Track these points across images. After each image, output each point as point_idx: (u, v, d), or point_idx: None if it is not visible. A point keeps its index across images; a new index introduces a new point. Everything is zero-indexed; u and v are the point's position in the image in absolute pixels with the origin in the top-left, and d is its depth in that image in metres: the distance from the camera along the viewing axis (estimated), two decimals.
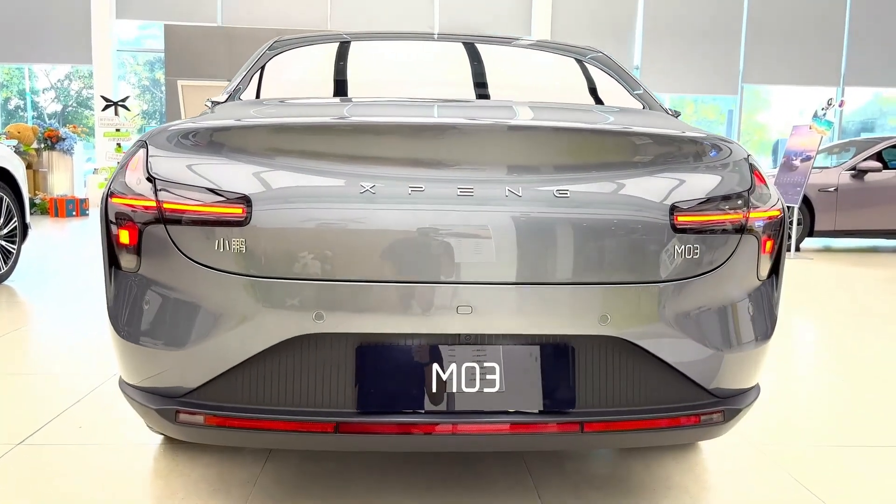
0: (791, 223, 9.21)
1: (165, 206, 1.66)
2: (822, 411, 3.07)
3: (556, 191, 1.63)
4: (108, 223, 1.77)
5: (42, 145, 13.48)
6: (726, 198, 1.75)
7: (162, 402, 1.71)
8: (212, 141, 1.71)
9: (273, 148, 1.66)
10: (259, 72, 2.45)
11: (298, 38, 2.77)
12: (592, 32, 16.83)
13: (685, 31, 16.92)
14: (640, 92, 2.45)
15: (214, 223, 1.62)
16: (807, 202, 9.20)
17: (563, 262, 1.63)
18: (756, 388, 1.94)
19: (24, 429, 2.59)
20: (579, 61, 2.67)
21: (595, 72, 2.58)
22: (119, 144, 13.45)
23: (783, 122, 18.91)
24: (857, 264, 8.46)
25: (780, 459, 2.45)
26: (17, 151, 12.86)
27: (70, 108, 20.03)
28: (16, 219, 5.73)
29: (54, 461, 2.34)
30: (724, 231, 1.74)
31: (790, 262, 8.40)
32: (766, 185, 1.89)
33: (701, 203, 1.71)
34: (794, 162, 8.99)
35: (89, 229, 11.11)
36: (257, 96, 2.32)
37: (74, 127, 14.50)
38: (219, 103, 2.29)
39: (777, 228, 1.87)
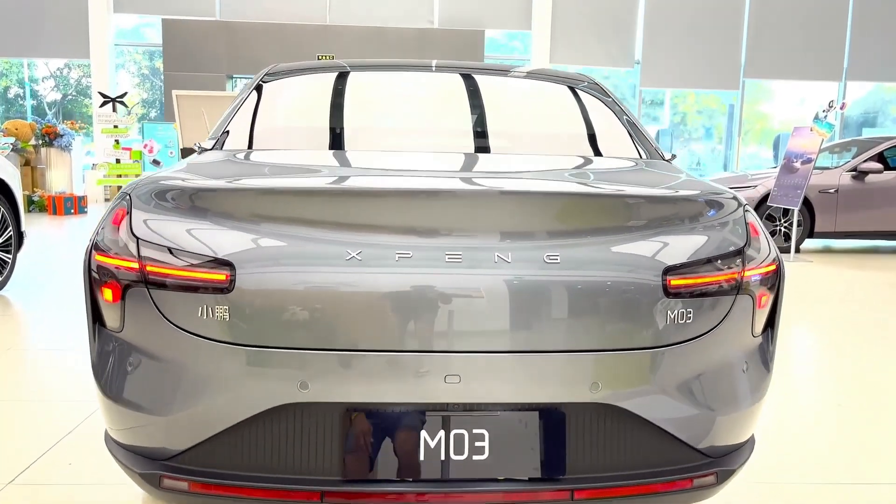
0: (791, 226, 9.18)
1: (148, 268, 1.63)
2: (818, 443, 3.05)
3: (546, 256, 1.60)
4: (91, 277, 1.74)
5: (40, 142, 13.44)
6: (721, 257, 1.72)
7: (146, 466, 1.69)
8: (196, 202, 1.68)
9: (257, 212, 1.63)
10: (249, 113, 2.40)
11: (290, 69, 2.73)
12: (593, 26, 16.73)
13: (686, 25, 16.81)
14: (637, 132, 2.41)
15: (198, 289, 1.59)
16: (807, 203, 9.17)
17: (552, 329, 1.60)
18: (751, 442, 1.92)
19: (15, 465, 2.58)
20: (576, 96, 2.62)
21: (592, 110, 2.53)
22: (117, 141, 13.39)
23: (785, 113, 18.83)
24: (858, 267, 8.44)
25: (773, 495, 2.44)
26: (15, 149, 12.83)
27: (70, 97, 19.96)
28: (10, 228, 5.70)
29: (45, 502, 2.32)
30: (719, 292, 1.71)
31: (789, 266, 8.38)
32: (761, 237, 1.86)
33: (694, 265, 1.68)
34: (794, 164, 8.94)
35: (88, 228, 11.09)
36: (249, 142, 2.26)
37: (73, 123, 14.47)
38: (206, 150, 2.25)
39: (773, 282, 1.85)
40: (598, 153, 2.26)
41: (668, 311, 1.64)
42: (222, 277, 1.57)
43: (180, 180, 1.76)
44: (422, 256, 1.58)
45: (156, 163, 13.95)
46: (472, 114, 2.50)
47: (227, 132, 2.29)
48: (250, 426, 1.61)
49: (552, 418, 1.64)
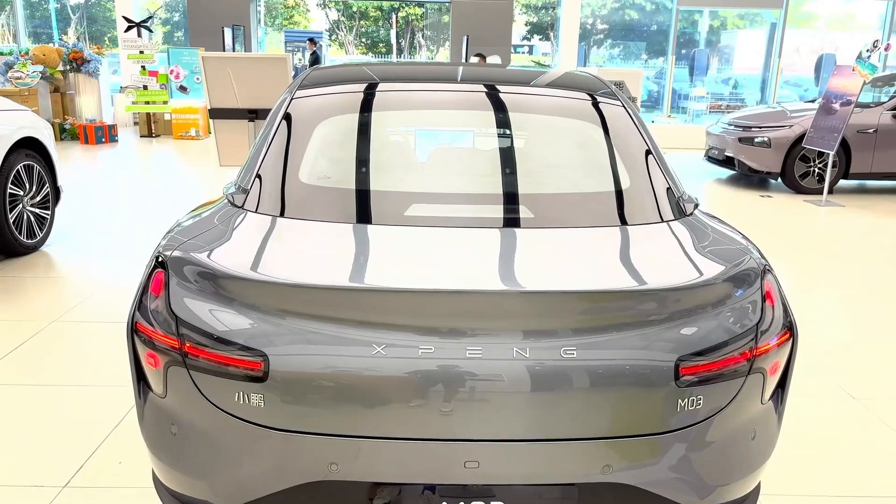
0: (825, 167, 8.98)
1: (187, 349, 1.73)
2: (832, 452, 3.15)
3: (562, 350, 1.67)
4: (135, 342, 1.86)
5: (68, 67, 13.42)
6: (734, 339, 1.78)
7: None
8: (231, 290, 1.76)
9: (288, 307, 1.71)
10: (279, 156, 2.35)
11: (317, 93, 2.69)
12: None
13: None
14: (661, 175, 2.37)
15: (234, 377, 1.70)
16: (843, 143, 8.92)
17: (567, 418, 1.69)
18: (756, 490, 2.03)
19: (68, 465, 2.79)
20: (605, 129, 2.55)
21: (622, 152, 2.45)
22: (143, 67, 13.32)
23: (828, 36, 17.98)
24: (893, 213, 8.28)
25: None
26: (44, 76, 12.85)
27: (95, 22, 19.74)
28: (47, 185, 5.84)
29: None
30: (730, 375, 1.77)
31: (819, 212, 8.26)
32: (776, 304, 1.90)
33: (706, 352, 1.73)
34: (833, 105, 8.66)
35: (120, 158, 11.24)
36: (281, 205, 2.20)
37: (99, 48, 14.36)
38: (237, 206, 2.24)
39: (786, 350, 1.90)
40: (622, 217, 2.25)
41: (679, 399, 1.72)
42: (258, 368, 1.67)
43: (215, 262, 1.83)
44: (443, 352, 1.66)
45: (182, 89, 13.90)
46: (501, 171, 2.49)
47: (259, 178, 2.30)
48: (285, 497, 1.75)
49: (565, 492, 1.75)
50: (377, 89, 2.67)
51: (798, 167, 9.27)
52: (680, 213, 2.28)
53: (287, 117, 2.50)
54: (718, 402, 1.78)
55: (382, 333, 1.68)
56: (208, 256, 1.86)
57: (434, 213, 2.20)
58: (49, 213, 5.90)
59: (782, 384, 1.95)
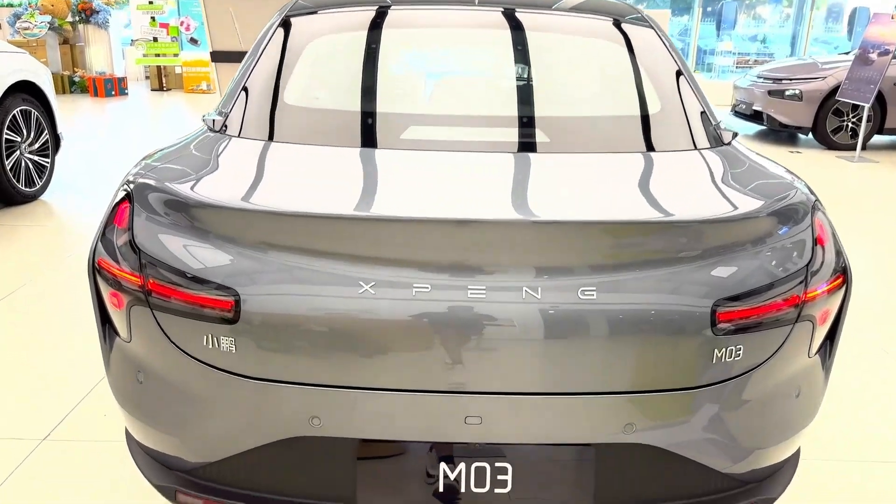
0: (859, 122, 8.57)
1: (151, 287, 1.52)
2: (870, 413, 2.91)
3: (580, 291, 1.43)
4: (96, 279, 1.65)
5: (77, 18, 13.14)
6: (781, 281, 1.53)
7: (162, 478, 1.67)
8: (202, 219, 1.53)
9: (266, 238, 1.48)
10: (269, 76, 2.12)
11: (314, 7, 2.44)
12: None
13: None
14: (694, 98, 2.11)
15: (202, 317, 1.48)
16: (879, 96, 8.47)
17: (585, 370, 1.46)
18: (795, 456, 1.80)
19: (50, 417, 2.63)
20: (630, 50, 2.27)
21: (650, 73, 2.18)
22: (153, 18, 13.01)
23: None
24: None
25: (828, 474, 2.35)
26: (52, 27, 12.59)
27: None
28: (46, 132, 5.64)
29: (81, 461, 2.37)
30: (775, 322, 1.53)
31: (851, 167, 7.89)
32: (828, 245, 1.64)
33: (748, 295, 1.49)
34: (870, 55, 8.20)
35: (129, 110, 11.03)
36: (270, 129, 1.99)
37: None
38: (216, 131, 2.04)
39: (839, 296, 1.65)
40: (649, 143, 1.99)
41: (715, 350, 1.48)
42: (227, 308, 1.46)
43: (186, 187, 1.60)
44: (441, 291, 1.43)
45: (193, 41, 13.60)
46: (516, 92, 2.20)
47: (240, 100, 2.07)
48: (264, 453, 1.55)
49: (581, 453, 1.54)
50: (377, 8, 2.39)
51: (830, 121, 8.85)
52: (716, 141, 2.02)
53: (275, 38, 2.25)
54: (760, 353, 1.54)
55: (371, 270, 1.45)
56: (177, 184, 1.63)
57: (436, 136, 1.96)
58: (49, 161, 5.70)
59: (832, 336, 1.71)
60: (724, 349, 1.49)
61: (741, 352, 1.50)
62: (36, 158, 5.56)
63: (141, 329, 1.57)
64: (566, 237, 1.47)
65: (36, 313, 3.56)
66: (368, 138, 1.97)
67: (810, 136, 9.19)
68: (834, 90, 8.68)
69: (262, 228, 1.49)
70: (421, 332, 1.43)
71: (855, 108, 8.68)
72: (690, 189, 1.73)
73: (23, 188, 5.37)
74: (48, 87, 5.68)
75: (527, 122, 2.03)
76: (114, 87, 12.28)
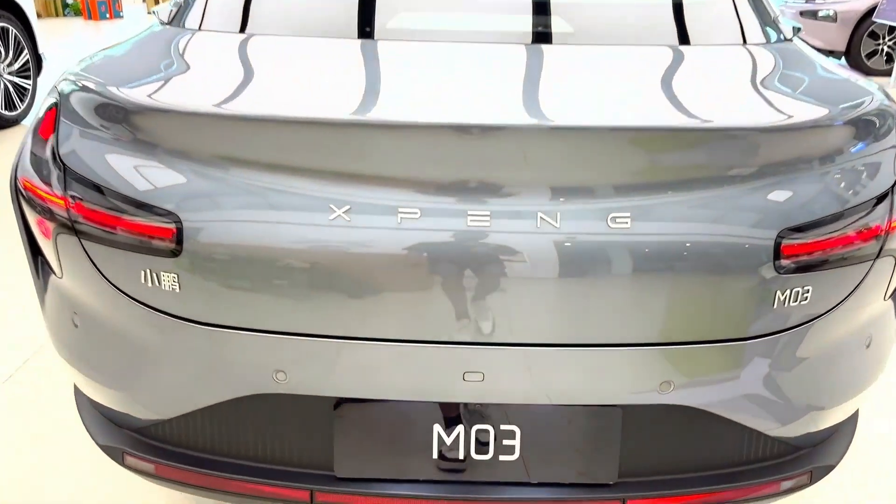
0: (894, 55, 8.04)
1: (76, 209, 1.23)
2: None
3: (610, 218, 1.13)
4: (20, 201, 1.37)
5: None
6: (860, 208, 1.22)
7: (109, 438, 1.42)
8: (136, 124, 1.23)
9: (211, 149, 1.18)
10: None
11: None
12: None
13: None
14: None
15: (138, 249, 1.19)
16: None
17: (614, 317, 1.17)
18: (853, 419, 1.53)
19: (13, 358, 2.39)
20: None
21: None
22: None
23: None
24: None
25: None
26: None
27: None
28: (27, 52, 5.28)
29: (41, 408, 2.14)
30: (850, 258, 1.23)
31: None
32: None
33: (818, 226, 1.18)
34: None
35: (123, 33, 10.56)
36: (243, 20, 1.66)
37: None
38: (167, 23, 1.72)
39: None
40: (690, 35, 1.64)
41: (778, 291, 1.19)
42: (168, 238, 1.17)
43: (123, 90, 1.29)
44: (434, 218, 1.13)
45: None
46: None
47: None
48: (222, 412, 1.29)
49: (602, 419, 1.27)
50: None
51: (865, 45, 8.32)
52: (775, 34, 1.68)
53: None
54: (831, 296, 1.24)
55: (345, 190, 1.15)
56: (113, 86, 1.31)
57: (430, 24, 1.62)
58: (30, 83, 5.35)
59: None
60: (787, 291, 1.19)
61: (808, 294, 1.21)
62: (16, 80, 5.21)
63: (70, 262, 1.29)
64: (592, 148, 1.16)
65: (8, 247, 3.31)
66: (346, 27, 1.63)
67: (843, 60, 8.66)
68: (870, 11, 8.12)
69: (207, 137, 1.19)
70: (407, 269, 1.14)
71: (892, 30, 8.13)
72: (746, 91, 1.39)
73: (3, 111, 5.04)
74: (27, 4, 5.28)
75: (542, 8, 1.67)
76: (108, 8, 11.75)
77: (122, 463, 1.40)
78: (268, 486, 1.32)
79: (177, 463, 1.35)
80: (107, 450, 1.42)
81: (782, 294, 1.18)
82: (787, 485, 1.37)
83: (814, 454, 1.42)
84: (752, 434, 1.32)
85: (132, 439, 1.40)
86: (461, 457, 1.29)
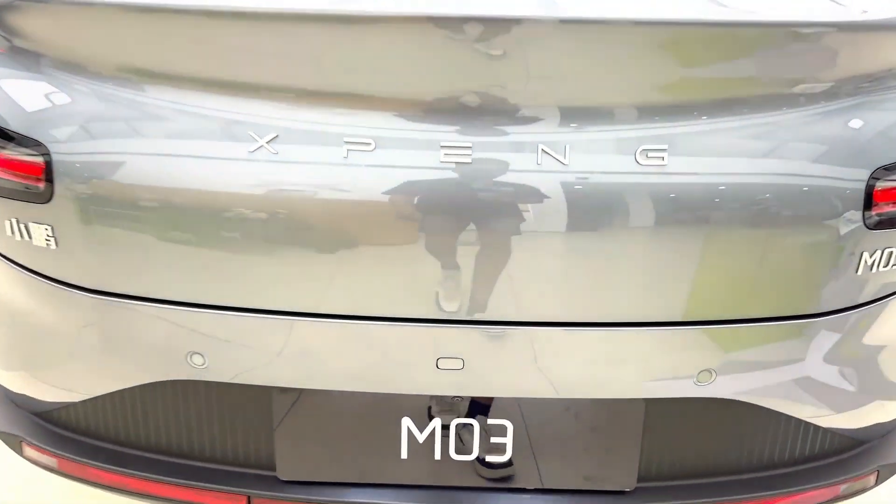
0: None
1: None
2: None
3: (640, 152, 0.82)
4: None
5: None
6: None
7: (7, 422, 1.15)
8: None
9: (98, 54, 0.87)
10: None
11: None
12: None
13: None
14: None
15: None
16: None
17: (641, 288, 0.88)
18: None
19: None
20: None
21: None
22: None
23: None
24: None
25: None
26: None
27: None
28: None
29: None
30: None
31: None
32: None
33: None
34: None
35: None
36: None
37: None
38: None
39: None
40: None
41: (864, 253, 0.88)
42: (35, 177, 0.86)
43: None
44: (394, 150, 0.82)
45: None
46: None
47: None
48: (138, 398, 1.02)
49: (620, 413, 0.98)
50: None
51: None
52: None
53: None
54: None
55: (272, 111, 0.83)
56: None
57: None
58: None
59: None
60: (877, 253, 0.88)
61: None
62: None
63: None
64: (615, 51, 0.83)
65: None
66: None
67: None
68: None
69: (80, 35, 0.87)
70: (357, 220, 0.84)
71: None
72: None
73: None
74: None
75: None
76: None
77: (20, 452, 1.14)
78: (195, 490, 1.05)
79: (84, 457, 1.08)
80: (4, 437, 1.15)
81: (870, 256, 0.88)
82: (848, 488, 1.10)
83: (880, 449, 1.13)
84: (805, 427, 1.05)
85: (33, 426, 1.13)
86: (437, 456, 1.01)
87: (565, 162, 0.81)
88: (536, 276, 0.85)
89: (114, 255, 0.88)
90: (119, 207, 0.85)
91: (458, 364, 0.91)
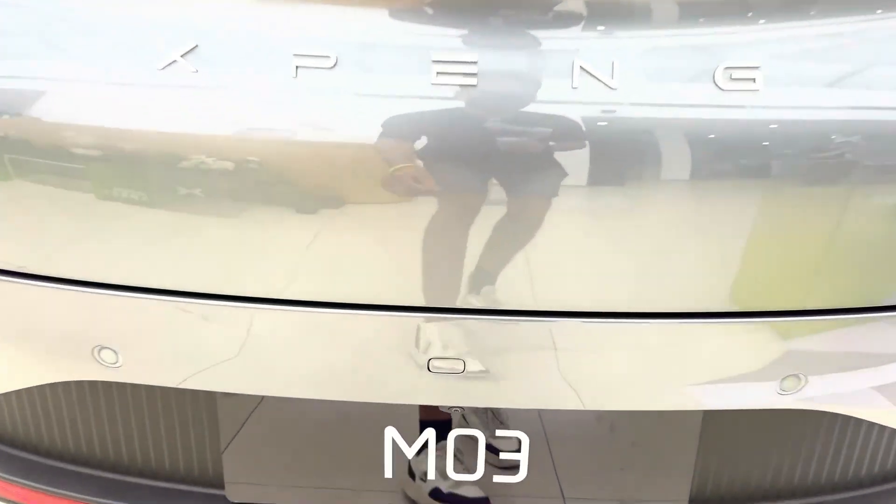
0: None
1: None
2: None
3: (721, 72, 0.57)
4: None
5: None
6: None
7: None
8: None
9: None
10: None
11: None
12: None
13: None
14: None
15: None
16: None
17: (713, 269, 0.63)
18: None
19: None
20: None
21: None
22: None
23: None
24: None
25: None
26: None
27: None
28: None
29: None
30: None
31: None
32: None
33: None
34: None
35: None
36: None
37: None
38: None
39: None
40: None
41: None
42: None
43: None
44: (367, 69, 0.58)
45: None
46: None
47: None
48: (45, 397, 0.80)
49: (672, 426, 0.76)
50: None
51: None
52: None
53: None
54: None
55: (193, 4, 0.59)
56: None
57: None
58: None
59: None
60: None
61: None
62: None
63: None
64: None
65: None
66: None
67: None
68: None
69: None
70: (315, 168, 0.60)
71: None
72: None
73: None
74: None
75: None
76: None
77: None
78: None
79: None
80: None
81: None
82: None
83: None
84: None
85: None
86: (431, 475, 0.78)
87: (613, 85, 0.56)
88: (565, 250, 0.61)
89: None
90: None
91: (457, 366, 0.67)
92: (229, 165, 0.60)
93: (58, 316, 0.69)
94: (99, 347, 0.70)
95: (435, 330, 0.66)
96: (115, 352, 0.70)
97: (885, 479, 0.85)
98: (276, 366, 0.71)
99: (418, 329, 0.66)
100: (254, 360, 0.70)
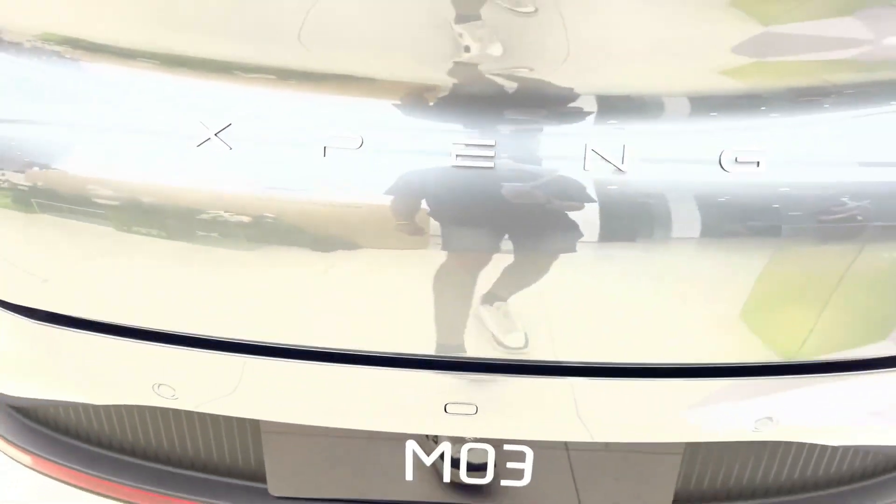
0: None
1: None
2: None
3: (724, 155, 0.64)
4: None
5: None
6: None
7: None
8: None
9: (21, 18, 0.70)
10: None
11: None
12: None
13: None
14: None
15: None
16: None
17: (709, 332, 0.71)
18: None
19: None
20: None
21: None
22: None
23: None
24: None
25: None
26: None
27: None
28: None
29: None
30: None
31: None
32: None
33: None
34: None
35: None
36: None
37: None
38: None
39: None
40: None
41: None
42: None
43: None
44: (392, 149, 0.66)
45: None
46: None
47: None
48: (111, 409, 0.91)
49: (654, 457, 0.86)
50: None
51: None
52: None
53: None
54: None
55: (231, 90, 0.67)
56: None
57: None
58: None
59: None
60: None
61: None
62: None
63: None
64: (689, 5, 0.64)
65: None
66: None
67: None
68: None
69: None
70: (345, 238, 0.68)
71: None
72: None
73: None
74: None
75: None
76: None
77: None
78: (175, 499, 0.95)
79: (59, 459, 0.98)
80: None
81: None
82: None
83: None
84: (858, 456, 0.92)
85: (12, 421, 1.03)
86: (446, 479, 0.89)
87: (622, 168, 0.63)
88: (573, 315, 0.69)
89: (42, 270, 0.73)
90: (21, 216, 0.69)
91: (470, 409, 0.77)
92: (272, 235, 0.67)
93: (121, 361, 0.79)
94: (158, 384, 0.80)
95: (449, 383, 0.75)
96: (171, 388, 0.79)
97: (853, 479, 0.95)
98: (307, 405, 0.80)
99: (435, 382, 0.75)
100: (288, 400, 0.80)
